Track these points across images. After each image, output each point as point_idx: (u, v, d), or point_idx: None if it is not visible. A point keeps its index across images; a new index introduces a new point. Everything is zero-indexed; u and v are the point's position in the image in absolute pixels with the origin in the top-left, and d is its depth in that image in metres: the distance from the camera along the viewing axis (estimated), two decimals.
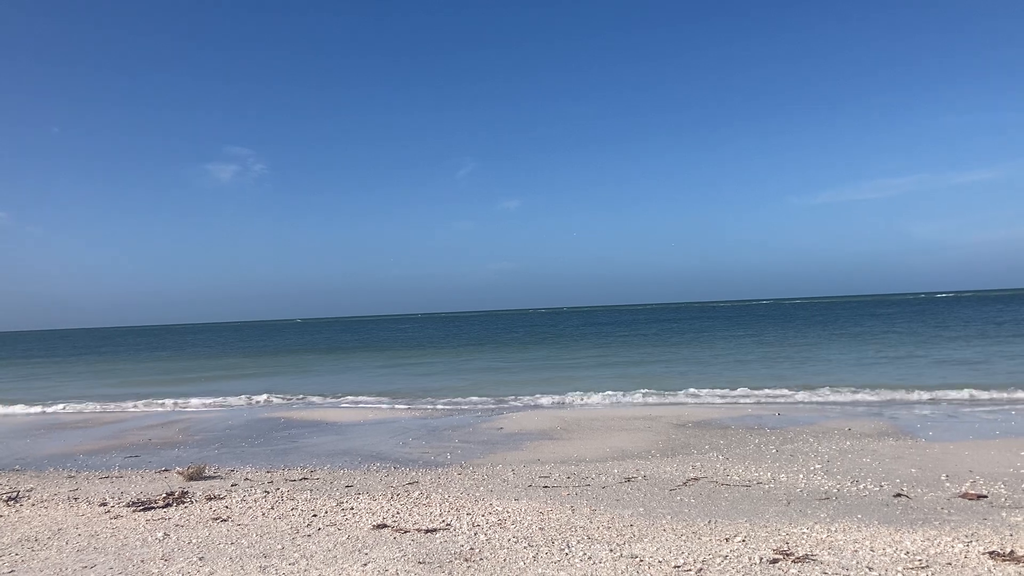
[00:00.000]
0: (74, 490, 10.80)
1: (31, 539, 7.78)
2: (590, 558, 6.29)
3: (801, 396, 20.29)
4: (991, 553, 6.02)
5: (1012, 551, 6.05)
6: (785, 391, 21.17)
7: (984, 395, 18.91)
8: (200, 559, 6.71)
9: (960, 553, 6.08)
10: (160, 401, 25.49)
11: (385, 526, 7.77)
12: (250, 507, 8.99)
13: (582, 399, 21.64)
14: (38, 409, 24.45)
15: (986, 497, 8.47)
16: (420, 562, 6.33)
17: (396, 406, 21.94)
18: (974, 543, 6.35)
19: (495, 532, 7.36)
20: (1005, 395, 18.79)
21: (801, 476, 10.08)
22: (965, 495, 8.58)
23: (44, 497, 10.19)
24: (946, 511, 7.85)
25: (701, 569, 5.89)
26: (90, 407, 24.72)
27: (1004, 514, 7.56)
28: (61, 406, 24.81)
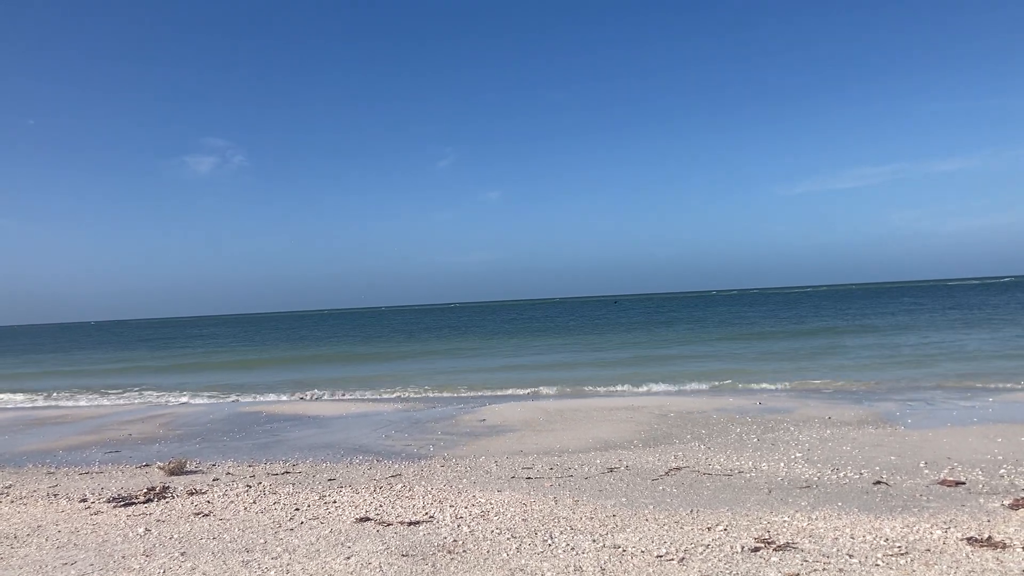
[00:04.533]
0: (53, 486, 10.70)
1: (10, 536, 7.70)
2: (573, 549, 6.30)
3: (782, 384, 20.43)
4: (969, 539, 6.09)
5: (990, 537, 6.12)
6: (765, 384, 21.29)
7: (963, 382, 19.10)
8: (182, 554, 6.67)
9: (939, 539, 6.15)
10: (138, 394, 25.33)
11: (368, 519, 7.75)
12: (232, 501, 8.95)
13: (566, 390, 21.68)
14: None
15: (964, 484, 8.56)
16: (403, 555, 6.32)
17: (378, 399, 21.89)
18: (952, 529, 6.41)
19: (478, 524, 7.36)
20: (984, 382, 18.99)
21: (782, 465, 10.14)
22: (943, 482, 8.66)
23: (23, 494, 10.09)
24: (925, 498, 7.93)
25: (683, 558, 5.91)
26: (67, 401, 24.52)
27: (982, 500, 7.63)
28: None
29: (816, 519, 6.99)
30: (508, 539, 6.72)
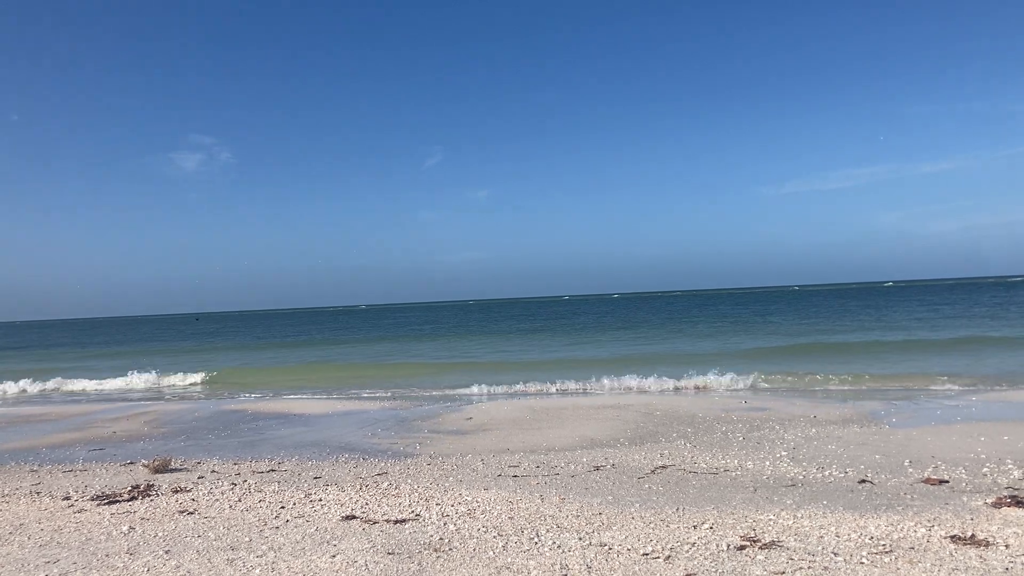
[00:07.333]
0: (36, 484, 10.61)
1: None
2: (559, 547, 6.30)
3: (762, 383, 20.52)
4: (953, 537, 6.13)
5: (973, 535, 6.16)
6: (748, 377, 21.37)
7: (947, 382, 19.24)
8: (166, 552, 6.63)
9: (923, 537, 6.18)
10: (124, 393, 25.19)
11: (354, 517, 7.73)
12: (217, 499, 8.90)
13: (552, 388, 21.71)
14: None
15: (948, 482, 8.62)
16: (389, 553, 6.30)
17: (364, 397, 21.84)
18: (936, 527, 6.45)
19: (464, 522, 7.35)
20: (967, 382, 19.13)
21: (768, 463, 10.18)
22: (927, 480, 8.72)
23: (5, 492, 10.00)
24: (909, 496, 7.97)
25: (669, 556, 5.92)
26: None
27: (965, 499, 7.69)
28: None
29: (801, 517, 7.02)
30: (494, 537, 6.71)
